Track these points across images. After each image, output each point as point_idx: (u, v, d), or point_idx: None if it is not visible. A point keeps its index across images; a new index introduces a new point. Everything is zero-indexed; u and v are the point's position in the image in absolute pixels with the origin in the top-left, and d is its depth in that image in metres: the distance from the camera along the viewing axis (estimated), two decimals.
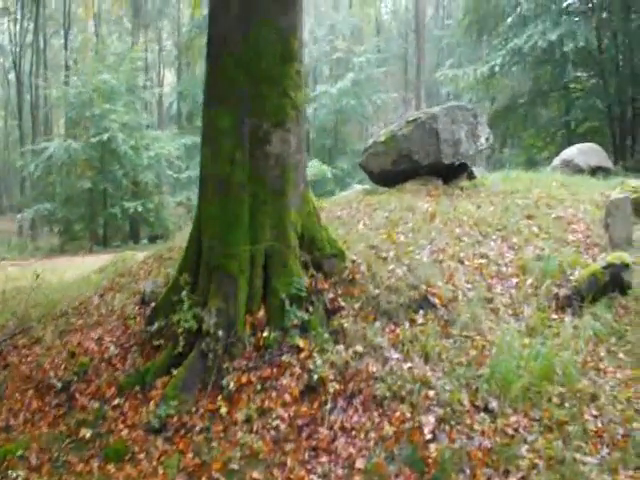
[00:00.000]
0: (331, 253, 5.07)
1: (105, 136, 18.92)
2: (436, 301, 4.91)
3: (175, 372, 4.42)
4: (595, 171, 11.26)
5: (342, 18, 28.00)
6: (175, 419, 4.11)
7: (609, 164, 11.99)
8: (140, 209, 19.74)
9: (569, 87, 18.17)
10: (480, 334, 4.63)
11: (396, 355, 4.36)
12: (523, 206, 7.55)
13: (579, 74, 18.30)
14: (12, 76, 32.98)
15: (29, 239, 23.88)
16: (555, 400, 3.86)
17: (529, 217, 7.17)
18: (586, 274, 5.15)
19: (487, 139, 8.84)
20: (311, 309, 4.69)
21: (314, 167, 23.85)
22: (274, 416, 3.98)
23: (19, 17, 29.22)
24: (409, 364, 4.25)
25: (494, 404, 3.86)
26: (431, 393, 3.95)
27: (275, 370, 4.35)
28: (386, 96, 25.06)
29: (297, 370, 4.29)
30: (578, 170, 11.19)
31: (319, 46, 26.39)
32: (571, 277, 5.30)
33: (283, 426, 3.92)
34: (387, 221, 6.68)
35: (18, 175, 27.21)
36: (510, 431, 3.65)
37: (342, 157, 25.27)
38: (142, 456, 3.90)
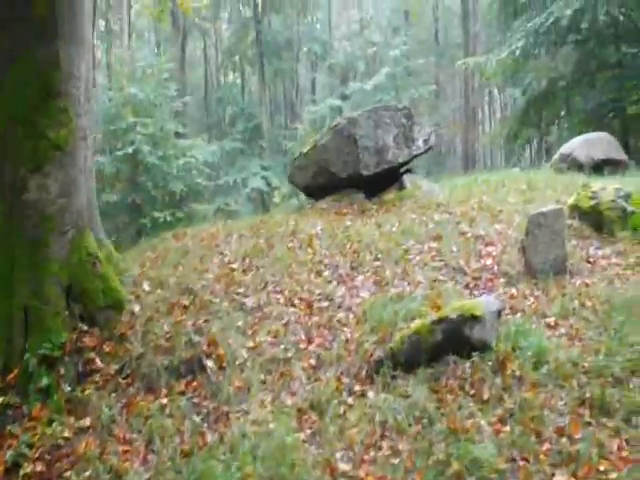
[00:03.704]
0: (105, 305, 4.37)
1: (130, 149, 19.18)
2: (210, 364, 4.02)
3: None
4: (600, 166, 9.47)
5: (376, 10, 26.66)
6: None
7: (622, 156, 10.03)
8: (170, 218, 19.61)
9: (622, 65, 15.68)
10: (244, 412, 3.69)
11: (123, 434, 3.57)
12: (438, 223, 6.32)
13: (630, 50, 15.74)
14: None
15: None
16: None
17: (435, 238, 5.98)
18: (407, 332, 3.97)
19: (426, 140, 7.59)
20: (63, 371, 4.05)
21: None
22: None
23: None
24: (126, 447, 3.46)
25: None
26: None
27: None
28: (425, 89, 23.33)
29: (15, 443, 3.64)
30: (577, 165, 9.46)
31: (353, 42, 25.20)
32: (396, 333, 4.13)
33: None
34: (252, 251, 5.79)
35: None
36: None
37: None
38: None
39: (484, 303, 4.09)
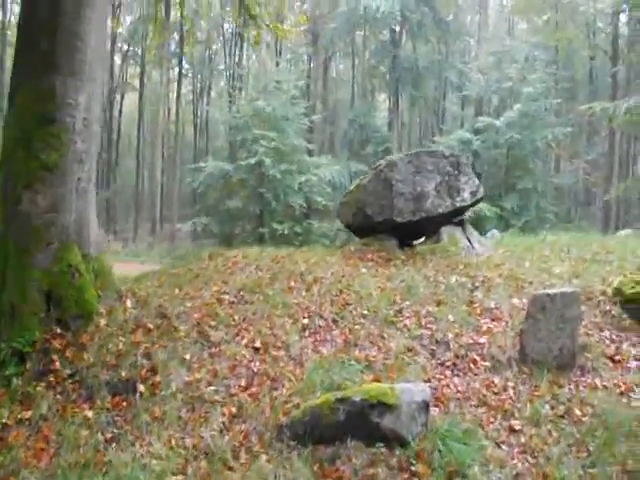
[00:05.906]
0: (77, 314, 4.85)
1: (253, 160, 20.37)
2: (142, 389, 4.27)
3: None
4: None
5: (517, 44, 25.18)
6: None
7: None
8: (287, 232, 20.37)
9: None
10: (148, 443, 3.87)
11: (47, 433, 3.97)
12: (450, 287, 5.93)
13: None
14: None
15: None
16: None
17: (438, 303, 5.63)
18: (311, 404, 3.83)
19: (473, 193, 7.15)
20: (29, 365, 4.59)
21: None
22: None
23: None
24: (43, 445, 3.85)
25: None
26: None
27: None
28: (559, 130, 21.56)
29: None
30: None
31: (488, 76, 24.09)
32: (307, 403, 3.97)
33: None
34: (252, 284, 5.94)
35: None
36: None
37: (510, 195, 22.63)
38: None
39: (402, 390, 3.78)
